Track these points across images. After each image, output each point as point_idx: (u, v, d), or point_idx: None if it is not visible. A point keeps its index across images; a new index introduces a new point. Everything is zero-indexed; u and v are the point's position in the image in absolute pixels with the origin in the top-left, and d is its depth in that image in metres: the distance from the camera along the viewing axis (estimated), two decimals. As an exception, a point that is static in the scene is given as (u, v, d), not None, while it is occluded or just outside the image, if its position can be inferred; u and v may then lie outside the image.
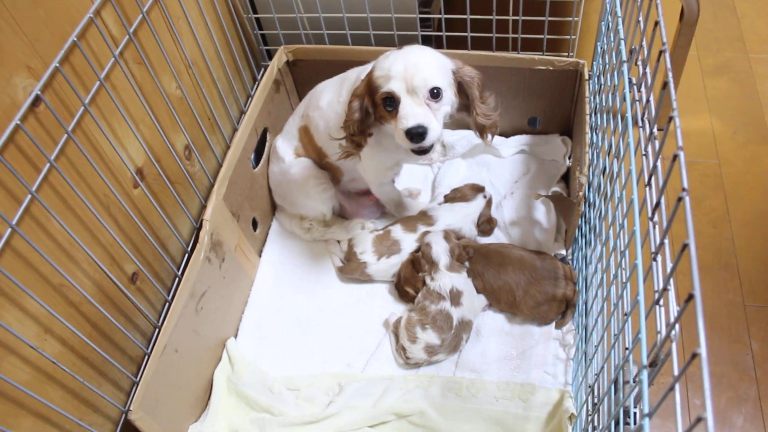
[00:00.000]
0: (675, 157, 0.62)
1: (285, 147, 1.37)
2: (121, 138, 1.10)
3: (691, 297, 0.53)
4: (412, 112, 1.02)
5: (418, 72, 1.02)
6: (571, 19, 1.41)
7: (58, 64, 0.92)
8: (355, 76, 1.21)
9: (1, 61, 0.85)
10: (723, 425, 1.20)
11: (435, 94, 1.03)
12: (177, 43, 1.25)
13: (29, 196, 0.88)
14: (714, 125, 1.69)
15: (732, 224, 1.48)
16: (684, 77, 1.58)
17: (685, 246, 0.57)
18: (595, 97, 1.29)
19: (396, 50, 1.07)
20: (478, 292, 1.26)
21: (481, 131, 1.14)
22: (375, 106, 1.08)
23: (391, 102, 1.04)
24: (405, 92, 1.02)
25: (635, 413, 0.76)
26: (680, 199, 0.60)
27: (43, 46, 0.92)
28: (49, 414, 0.94)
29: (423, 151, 1.07)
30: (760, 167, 1.59)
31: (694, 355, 0.50)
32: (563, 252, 1.31)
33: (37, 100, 0.89)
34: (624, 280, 0.84)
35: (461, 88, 1.09)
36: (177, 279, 1.27)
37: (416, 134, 1.02)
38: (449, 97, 1.07)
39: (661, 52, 0.74)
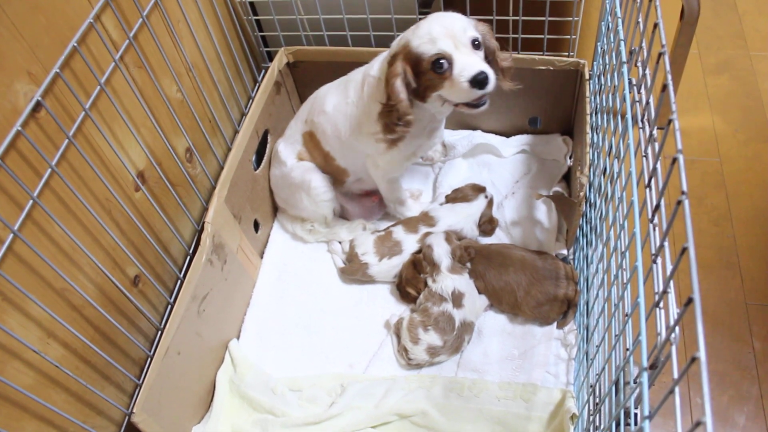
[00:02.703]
0: (674, 160, 0.62)
1: (287, 151, 1.37)
2: (122, 142, 1.11)
3: (690, 301, 0.53)
4: (469, 62, 1.05)
5: (457, 27, 1.05)
6: (571, 18, 1.41)
7: (58, 70, 0.92)
8: (360, 76, 1.22)
9: (2, 68, 0.85)
10: (725, 424, 1.21)
11: (476, 45, 1.07)
12: (177, 46, 1.26)
13: (31, 201, 0.88)
14: (715, 123, 1.69)
15: (734, 222, 1.48)
16: (685, 75, 1.57)
17: (685, 249, 0.57)
18: (595, 97, 1.29)
19: (419, 22, 1.10)
20: (480, 292, 1.26)
21: (504, 74, 1.17)
22: (420, 77, 1.09)
23: (441, 64, 1.05)
24: (454, 48, 1.05)
25: (636, 414, 0.76)
26: (680, 203, 0.60)
27: (43, 52, 0.92)
28: (52, 417, 0.94)
29: (481, 104, 1.10)
30: (761, 165, 1.59)
31: (693, 359, 0.50)
32: (564, 252, 1.32)
33: (38, 106, 0.89)
34: (625, 281, 0.84)
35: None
36: (179, 281, 1.28)
37: (481, 80, 1.04)
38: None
39: (660, 54, 0.74)
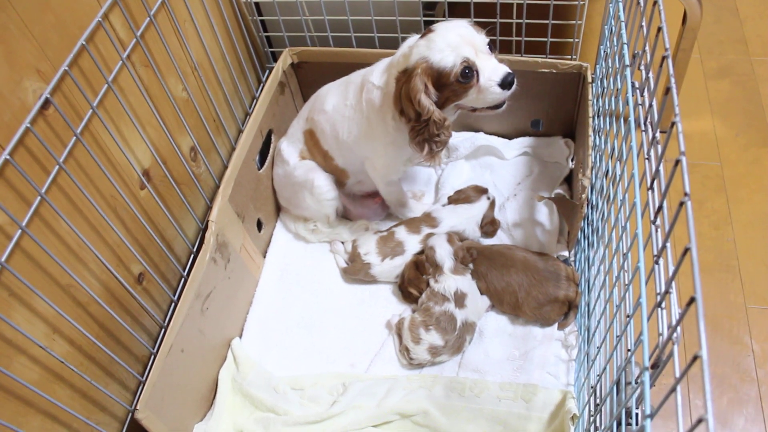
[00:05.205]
0: (677, 162, 0.63)
1: (289, 150, 1.38)
2: (128, 140, 1.11)
3: (692, 300, 0.54)
4: (494, 65, 1.08)
5: (472, 34, 1.08)
6: (574, 22, 1.42)
7: (67, 68, 0.93)
8: (359, 79, 1.22)
9: (12, 65, 0.86)
10: (724, 426, 1.21)
11: (491, 47, 1.10)
12: (183, 45, 1.26)
13: (38, 198, 0.89)
14: (716, 127, 1.70)
15: (734, 226, 1.49)
16: (686, 80, 1.58)
17: (687, 250, 0.57)
18: (598, 100, 1.30)
19: (424, 36, 1.10)
20: (482, 293, 1.27)
21: None
22: (443, 89, 1.09)
23: (469, 74, 1.07)
24: (475, 55, 1.07)
25: (637, 414, 0.77)
26: (682, 204, 0.61)
27: (52, 50, 0.93)
28: (57, 413, 0.95)
29: (501, 105, 1.14)
30: (761, 169, 1.60)
31: (695, 357, 0.51)
32: (566, 253, 1.32)
33: (46, 103, 0.90)
34: (626, 282, 0.85)
35: None
36: (183, 279, 1.29)
37: (510, 81, 1.09)
38: None
39: (663, 58, 0.75)
